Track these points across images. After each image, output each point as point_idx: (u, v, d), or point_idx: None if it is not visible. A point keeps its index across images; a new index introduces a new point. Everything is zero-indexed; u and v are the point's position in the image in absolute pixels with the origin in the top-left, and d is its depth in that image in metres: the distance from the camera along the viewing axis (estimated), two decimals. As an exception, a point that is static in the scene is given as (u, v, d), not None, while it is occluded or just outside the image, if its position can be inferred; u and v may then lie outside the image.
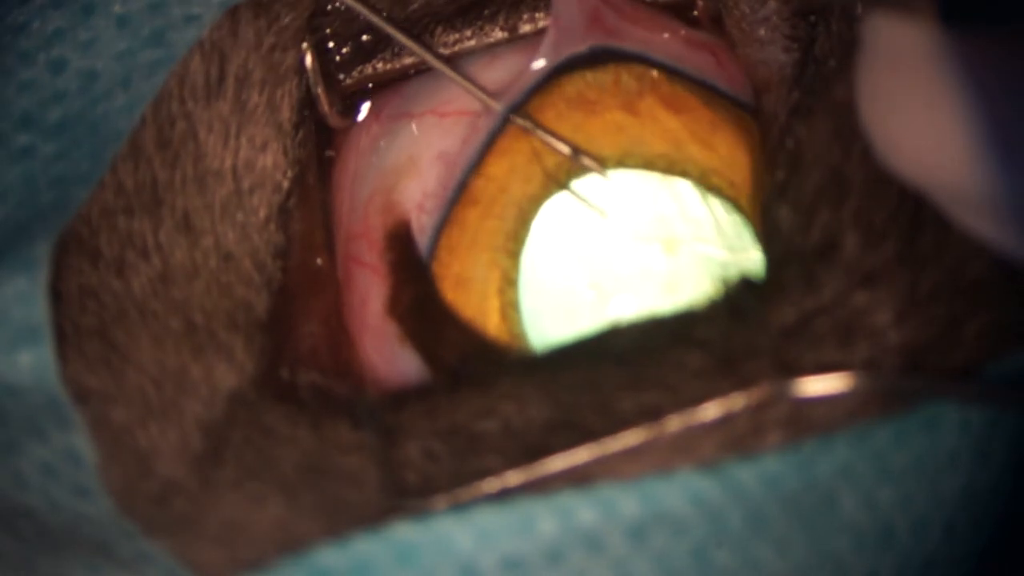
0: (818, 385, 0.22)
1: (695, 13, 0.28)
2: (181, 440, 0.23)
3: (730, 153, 0.26)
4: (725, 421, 0.22)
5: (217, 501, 0.23)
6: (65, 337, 0.23)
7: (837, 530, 0.22)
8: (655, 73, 0.27)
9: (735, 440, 0.22)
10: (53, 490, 0.22)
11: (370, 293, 0.27)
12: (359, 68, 0.28)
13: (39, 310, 0.22)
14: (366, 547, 0.21)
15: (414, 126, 0.27)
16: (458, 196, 0.26)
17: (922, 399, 0.22)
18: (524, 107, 0.27)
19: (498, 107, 0.27)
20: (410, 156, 0.27)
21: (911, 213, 0.22)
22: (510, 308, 0.26)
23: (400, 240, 0.26)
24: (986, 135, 0.20)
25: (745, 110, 0.27)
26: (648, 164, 0.26)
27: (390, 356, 0.26)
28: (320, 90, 0.27)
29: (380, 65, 0.27)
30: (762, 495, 0.22)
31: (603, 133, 0.26)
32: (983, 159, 0.20)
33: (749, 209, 0.26)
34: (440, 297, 0.26)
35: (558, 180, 0.26)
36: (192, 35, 0.24)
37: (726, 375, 0.22)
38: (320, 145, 0.27)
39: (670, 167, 0.26)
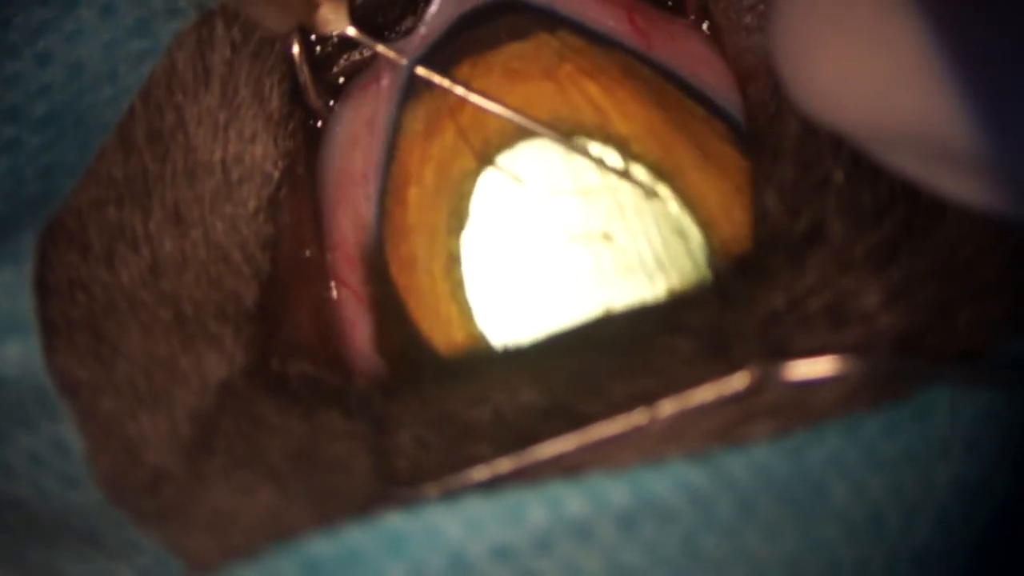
0: (808, 368, 0.22)
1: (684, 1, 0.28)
2: (171, 430, 0.23)
3: (650, 121, 0.26)
4: (715, 408, 0.22)
5: (207, 490, 0.23)
6: (54, 329, 0.23)
7: (827, 519, 0.22)
8: (574, 41, 0.27)
9: (725, 429, 0.22)
10: (42, 480, 0.22)
11: (357, 318, 0.27)
12: (346, 56, 0.28)
13: (25, 302, 0.22)
14: (356, 536, 0.21)
15: (348, 108, 0.28)
16: (390, 159, 0.27)
17: (914, 383, 0.22)
18: (451, 71, 0.27)
19: (402, 60, 0.27)
20: (349, 133, 0.27)
21: (899, 196, 0.22)
22: (459, 289, 0.26)
23: (379, 274, 0.27)
24: (901, 66, 0.19)
25: (668, 78, 0.27)
26: (572, 131, 0.26)
27: (378, 371, 0.27)
28: (307, 80, 0.27)
29: (367, 52, 0.28)
30: (752, 484, 0.22)
31: (527, 101, 0.26)
32: (898, 92, 0.19)
33: (673, 177, 0.26)
34: (425, 338, 0.26)
35: (488, 153, 0.26)
36: (176, 25, 0.24)
37: (717, 360, 0.22)
38: (310, 137, 0.27)
39: (591, 134, 0.26)
